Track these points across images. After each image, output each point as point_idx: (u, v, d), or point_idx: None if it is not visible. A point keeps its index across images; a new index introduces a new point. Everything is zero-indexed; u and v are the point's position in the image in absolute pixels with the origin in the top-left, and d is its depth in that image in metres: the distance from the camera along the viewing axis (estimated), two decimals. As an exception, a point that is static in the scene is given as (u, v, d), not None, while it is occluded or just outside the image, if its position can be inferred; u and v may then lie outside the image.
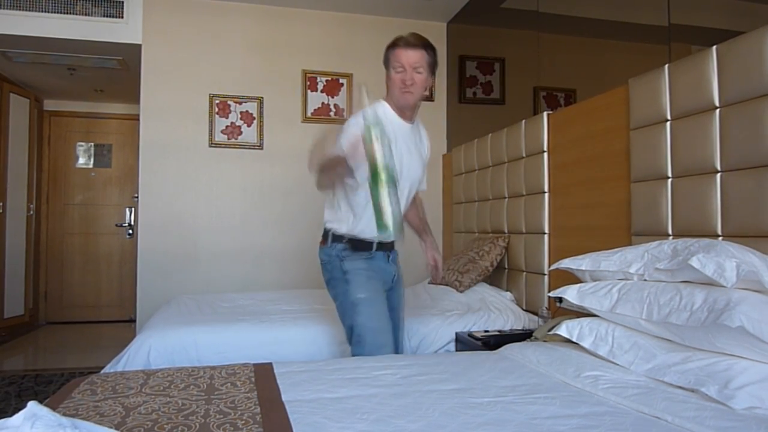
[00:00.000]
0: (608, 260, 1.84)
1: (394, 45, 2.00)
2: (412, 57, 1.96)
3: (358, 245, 2.10)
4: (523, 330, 2.63)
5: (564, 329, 1.81)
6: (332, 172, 1.80)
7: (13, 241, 5.01)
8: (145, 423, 1.21)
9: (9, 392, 3.27)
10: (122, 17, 3.94)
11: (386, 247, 2.17)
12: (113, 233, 5.82)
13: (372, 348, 2.04)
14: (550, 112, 2.88)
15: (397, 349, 2.25)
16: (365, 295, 2.06)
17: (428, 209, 4.31)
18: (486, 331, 2.57)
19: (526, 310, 2.94)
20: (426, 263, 2.31)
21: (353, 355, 2.08)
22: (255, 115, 4.14)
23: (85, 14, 3.89)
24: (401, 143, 2.02)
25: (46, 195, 5.76)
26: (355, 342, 2.08)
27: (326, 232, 2.15)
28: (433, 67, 2.03)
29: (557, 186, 2.78)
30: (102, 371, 2.12)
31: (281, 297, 3.38)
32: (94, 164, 5.93)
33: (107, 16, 3.92)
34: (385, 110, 2.03)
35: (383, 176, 1.57)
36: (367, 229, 2.04)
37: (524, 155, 3.04)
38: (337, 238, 2.11)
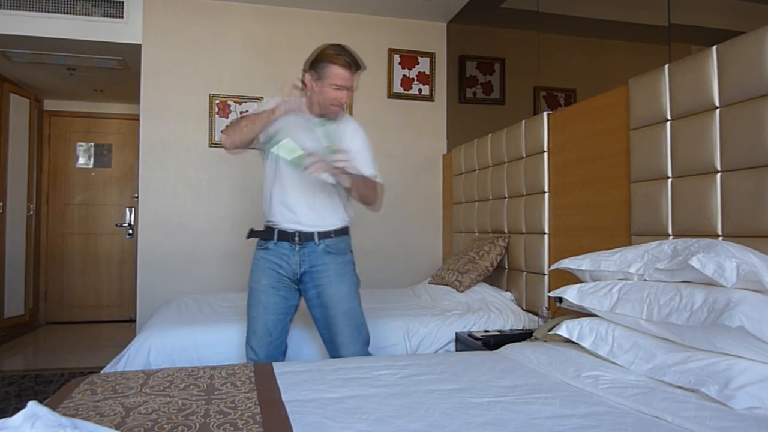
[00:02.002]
0: (608, 260, 1.84)
1: (333, 61, 2.04)
2: (350, 79, 2.07)
3: (262, 233, 2.21)
4: (523, 330, 2.63)
5: (564, 329, 1.81)
6: (252, 124, 2.05)
7: (13, 241, 5.01)
8: (145, 423, 1.21)
9: (9, 392, 3.27)
10: (122, 17, 3.94)
11: (292, 239, 2.13)
12: (113, 233, 5.82)
13: (248, 333, 2.20)
14: (550, 112, 2.88)
15: (337, 352, 2.15)
16: (249, 284, 2.23)
17: (428, 209, 4.36)
18: (486, 331, 2.57)
19: (526, 310, 2.94)
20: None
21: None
22: (255, 115, 4.14)
23: (85, 14, 3.88)
24: (304, 130, 2.08)
25: (46, 195, 5.76)
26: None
27: None
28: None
29: (557, 186, 2.78)
30: (102, 371, 2.12)
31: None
32: (94, 164, 5.93)
33: (107, 16, 3.92)
34: (299, 105, 2.14)
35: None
36: (267, 214, 2.20)
37: (524, 155, 3.04)
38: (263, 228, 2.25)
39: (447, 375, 1.64)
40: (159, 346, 2.36)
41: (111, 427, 1.13)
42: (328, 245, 2.16)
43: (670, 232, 2.01)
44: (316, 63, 2.07)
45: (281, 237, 2.15)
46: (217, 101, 4.08)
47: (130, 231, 5.47)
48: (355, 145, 2.15)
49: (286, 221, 2.15)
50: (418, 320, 2.68)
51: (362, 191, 2.10)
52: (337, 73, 2.04)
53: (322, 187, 2.12)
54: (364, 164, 2.13)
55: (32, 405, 0.83)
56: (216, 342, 2.44)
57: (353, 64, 2.06)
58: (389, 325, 2.62)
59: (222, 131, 2.14)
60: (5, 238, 4.88)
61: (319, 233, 2.14)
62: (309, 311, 2.24)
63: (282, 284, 2.17)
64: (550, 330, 2.13)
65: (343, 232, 2.22)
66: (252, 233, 2.25)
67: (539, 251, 2.87)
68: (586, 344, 1.73)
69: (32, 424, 0.80)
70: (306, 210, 2.13)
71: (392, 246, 4.23)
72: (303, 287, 2.19)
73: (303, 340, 2.50)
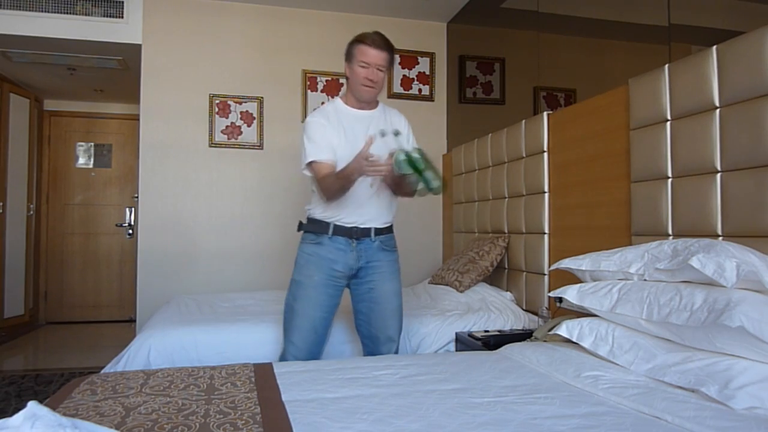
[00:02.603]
0: (608, 260, 1.84)
1: (360, 41, 2.11)
2: (377, 57, 2.09)
3: (314, 227, 2.19)
4: (523, 330, 2.63)
5: (564, 329, 1.81)
6: (345, 184, 2.00)
7: (13, 241, 5.01)
8: (145, 423, 1.21)
9: (9, 392, 3.27)
10: (122, 17, 3.94)
11: (350, 233, 2.15)
12: (113, 233, 5.82)
13: (290, 327, 2.16)
14: (550, 112, 2.88)
15: (377, 351, 2.22)
16: (298, 278, 2.19)
17: (428, 209, 4.36)
18: (486, 331, 2.57)
19: (526, 310, 2.94)
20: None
21: (284, 330, 2.21)
22: (255, 115, 4.14)
23: (85, 14, 3.88)
24: (358, 131, 2.14)
25: (46, 195, 5.76)
26: (284, 320, 2.22)
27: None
28: (391, 65, 2.19)
29: (557, 186, 2.78)
30: (102, 371, 2.12)
31: (281, 296, 3.37)
32: (94, 164, 5.93)
33: (107, 16, 3.92)
34: (336, 106, 2.20)
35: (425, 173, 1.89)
36: (324, 207, 2.15)
37: (524, 155, 3.04)
38: (307, 221, 2.23)
39: (447, 375, 1.64)
40: (159, 346, 2.36)
41: (111, 427, 1.13)
42: (382, 242, 2.23)
43: (670, 232, 2.01)
44: (348, 48, 2.15)
45: (337, 231, 2.14)
46: (217, 101, 4.08)
47: (130, 231, 5.47)
48: (405, 138, 2.26)
49: (348, 217, 2.15)
50: (418, 320, 2.68)
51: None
52: (362, 50, 2.10)
53: (385, 187, 2.19)
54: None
55: (32, 405, 0.83)
56: (216, 342, 2.44)
57: (381, 42, 2.10)
58: (389, 325, 2.62)
59: (320, 192, 2.13)
60: (5, 238, 4.88)
61: (376, 229, 2.20)
62: (354, 306, 2.27)
63: (333, 282, 2.17)
64: (550, 330, 2.13)
65: (391, 229, 2.29)
66: (303, 226, 2.23)
67: (539, 251, 2.87)
68: (586, 344, 1.73)
69: (32, 424, 0.80)
70: (369, 207, 2.16)
71: (392, 246, 4.23)
72: (356, 281, 2.22)
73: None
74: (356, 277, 2.22)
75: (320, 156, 2.09)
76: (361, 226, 2.16)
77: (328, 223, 2.15)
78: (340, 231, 2.15)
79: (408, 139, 2.29)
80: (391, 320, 2.24)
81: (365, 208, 2.15)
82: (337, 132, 2.14)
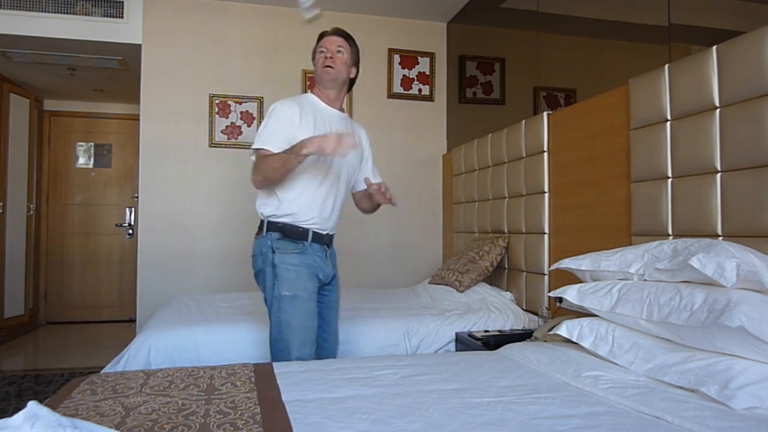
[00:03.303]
0: (608, 260, 1.84)
1: (319, 37, 2.22)
2: (333, 40, 2.18)
3: (292, 234, 2.08)
4: (523, 330, 2.63)
5: (564, 329, 1.81)
6: (284, 168, 1.97)
7: (13, 241, 5.01)
8: (145, 423, 1.21)
9: (9, 392, 3.27)
10: (122, 17, 3.94)
11: (324, 240, 2.13)
12: (113, 233, 5.82)
13: (293, 346, 2.03)
14: (550, 112, 2.88)
15: (330, 353, 2.20)
16: (290, 292, 2.05)
17: (428, 209, 4.37)
18: (486, 331, 2.57)
19: (526, 310, 2.94)
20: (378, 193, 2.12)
21: (272, 350, 2.09)
22: (255, 115, 4.14)
23: (85, 14, 3.89)
24: (327, 126, 2.14)
25: (46, 195, 5.76)
26: (275, 338, 2.08)
27: (261, 222, 2.19)
28: (355, 58, 2.23)
29: (557, 186, 2.78)
30: (102, 371, 2.12)
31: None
32: (94, 164, 5.93)
33: (107, 16, 3.92)
34: (309, 98, 2.22)
35: None
36: (301, 212, 2.08)
37: (524, 155, 3.04)
38: (272, 226, 2.13)
39: (447, 375, 1.64)
40: (159, 346, 2.36)
41: (111, 427, 1.13)
42: (335, 254, 2.24)
43: (670, 232, 2.01)
44: (313, 50, 2.23)
45: (314, 239, 2.10)
46: (217, 101, 4.08)
47: (130, 231, 5.47)
48: (367, 152, 2.33)
49: (323, 222, 2.12)
50: (418, 320, 2.68)
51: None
52: (320, 43, 2.20)
53: (347, 189, 2.23)
54: (374, 173, 2.34)
55: (32, 405, 0.83)
56: (216, 342, 2.44)
57: (335, 30, 2.21)
58: (389, 325, 2.62)
59: (252, 173, 2.11)
60: (5, 238, 4.88)
61: (334, 235, 2.22)
62: (321, 315, 2.19)
63: (318, 290, 2.14)
64: (550, 330, 2.13)
65: None
66: (284, 234, 2.09)
67: (539, 251, 2.87)
68: (586, 344, 1.73)
69: (32, 424, 0.80)
70: (337, 212, 2.18)
71: (392, 246, 4.23)
72: (330, 288, 2.21)
73: None
74: (330, 284, 2.20)
75: (273, 146, 2.04)
76: (330, 233, 2.17)
77: (306, 230, 2.09)
78: (317, 238, 2.11)
79: (367, 152, 2.33)
80: (337, 324, 2.27)
81: (333, 215, 2.16)
82: (310, 122, 2.10)
